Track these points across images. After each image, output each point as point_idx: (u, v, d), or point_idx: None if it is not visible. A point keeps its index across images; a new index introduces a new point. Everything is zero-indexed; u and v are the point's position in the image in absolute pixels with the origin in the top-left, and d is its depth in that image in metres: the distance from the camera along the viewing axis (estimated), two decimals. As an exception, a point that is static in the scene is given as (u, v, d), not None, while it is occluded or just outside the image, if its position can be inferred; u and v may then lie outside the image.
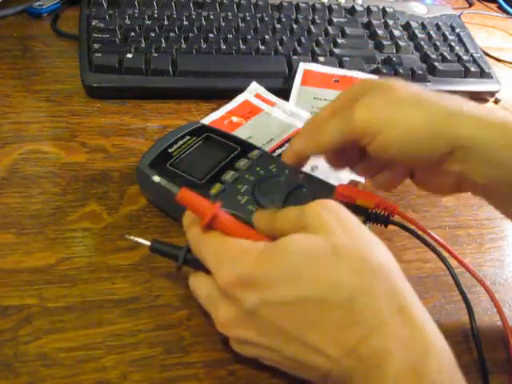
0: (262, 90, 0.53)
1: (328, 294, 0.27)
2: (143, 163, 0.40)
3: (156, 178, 0.39)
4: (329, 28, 0.61)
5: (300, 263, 0.27)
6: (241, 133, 0.48)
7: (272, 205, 0.36)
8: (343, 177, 0.45)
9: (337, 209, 0.30)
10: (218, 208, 0.31)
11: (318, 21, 0.62)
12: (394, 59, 0.59)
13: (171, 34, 0.55)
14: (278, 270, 0.28)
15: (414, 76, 0.58)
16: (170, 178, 0.39)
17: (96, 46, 0.51)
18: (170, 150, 0.41)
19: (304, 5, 0.64)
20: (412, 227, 0.37)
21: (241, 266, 0.29)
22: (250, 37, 0.57)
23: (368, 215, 0.36)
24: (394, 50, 0.61)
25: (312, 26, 0.61)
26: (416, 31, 0.65)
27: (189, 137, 0.43)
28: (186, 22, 0.57)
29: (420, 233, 0.37)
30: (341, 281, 0.27)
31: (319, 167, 0.44)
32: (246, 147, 0.42)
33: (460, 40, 0.65)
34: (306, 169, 0.40)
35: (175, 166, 0.40)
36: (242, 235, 0.31)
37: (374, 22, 0.64)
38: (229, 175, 0.39)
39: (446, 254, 0.38)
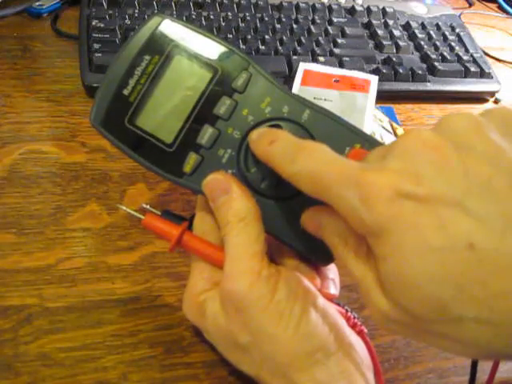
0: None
1: None
2: (95, 117, 0.30)
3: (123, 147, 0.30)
4: (329, 28, 0.61)
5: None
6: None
7: (264, 186, 0.30)
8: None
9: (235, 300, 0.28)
10: (182, 230, 0.31)
11: (317, 21, 0.62)
12: (394, 59, 0.59)
13: (171, 33, 0.55)
14: None
15: (414, 76, 0.58)
16: (134, 146, 0.30)
17: (96, 45, 0.51)
18: (125, 92, 0.30)
19: (304, 5, 0.64)
20: None
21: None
22: (249, 37, 0.57)
23: None
24: (394, 50, 0.61)
25: (312, 26, 0.61)
26: (416, 31, 0.65)
27: (148, 57, 0.30)
28: (186, 22, 0.57)
29: None
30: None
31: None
32: (229, 64, 0.30)
33: (460, 40, 0.65)
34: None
35: (135, 121, 0.30)
36: (209, 256, 0.31)
37: (374, 22, 0.64)
38: (206, 134, 0.29)
39: None
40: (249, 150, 0.29)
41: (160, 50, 0.30)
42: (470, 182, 0.21)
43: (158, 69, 0.30)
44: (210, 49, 0.30)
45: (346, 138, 0.29)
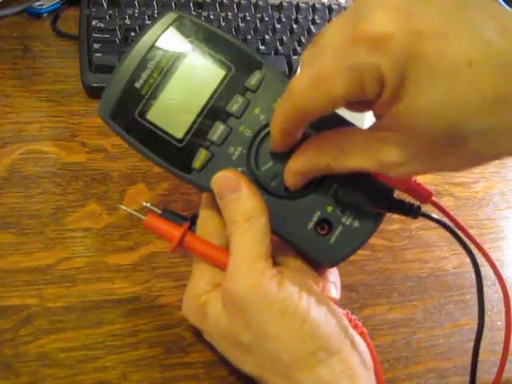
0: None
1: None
2: (104, 109, 0.30)
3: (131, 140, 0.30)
4: (329, 28, 0.61)
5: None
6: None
7: (273, 185, 0.30)
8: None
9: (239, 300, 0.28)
10: (184, 231, 0.31)
11: (317, 21, 0.62)
12: (394, 59, 0.59)
13: (171, 33, 0.55)
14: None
15: (413, 76, 0.58)
16: (143, 140, 0.30)
17: (96, 45, 0.51)
18: (136, 85, 0.29)
19: (304, 5, 0.64)
20: None
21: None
22: (250, 37, 0.57)
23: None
24: (394, 50, 0.61)
25: (312, 26, 0.61)
26: (416, 31, 0.65)
27: (162, 51, 0.30)
28: (186, 22, 0.57)
29: None
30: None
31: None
32: (243, 63, 0.30)
33: (460, 40, 0.65)
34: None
35: (146, 115, 0.30)
36: (211, 258, 0.31)
37: (374, 21, 0.64)
38: (217, 131, 0.29)
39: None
40: (259, 148, 0.30)
41: (174, 46, 0.30)
42: None
43: (171, 64, 0.30)
44: (224, 47, 0.30)
45: None
